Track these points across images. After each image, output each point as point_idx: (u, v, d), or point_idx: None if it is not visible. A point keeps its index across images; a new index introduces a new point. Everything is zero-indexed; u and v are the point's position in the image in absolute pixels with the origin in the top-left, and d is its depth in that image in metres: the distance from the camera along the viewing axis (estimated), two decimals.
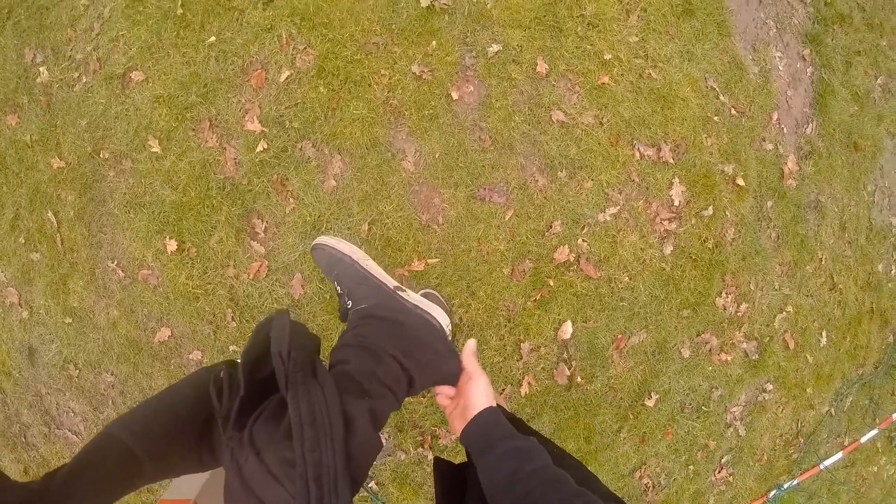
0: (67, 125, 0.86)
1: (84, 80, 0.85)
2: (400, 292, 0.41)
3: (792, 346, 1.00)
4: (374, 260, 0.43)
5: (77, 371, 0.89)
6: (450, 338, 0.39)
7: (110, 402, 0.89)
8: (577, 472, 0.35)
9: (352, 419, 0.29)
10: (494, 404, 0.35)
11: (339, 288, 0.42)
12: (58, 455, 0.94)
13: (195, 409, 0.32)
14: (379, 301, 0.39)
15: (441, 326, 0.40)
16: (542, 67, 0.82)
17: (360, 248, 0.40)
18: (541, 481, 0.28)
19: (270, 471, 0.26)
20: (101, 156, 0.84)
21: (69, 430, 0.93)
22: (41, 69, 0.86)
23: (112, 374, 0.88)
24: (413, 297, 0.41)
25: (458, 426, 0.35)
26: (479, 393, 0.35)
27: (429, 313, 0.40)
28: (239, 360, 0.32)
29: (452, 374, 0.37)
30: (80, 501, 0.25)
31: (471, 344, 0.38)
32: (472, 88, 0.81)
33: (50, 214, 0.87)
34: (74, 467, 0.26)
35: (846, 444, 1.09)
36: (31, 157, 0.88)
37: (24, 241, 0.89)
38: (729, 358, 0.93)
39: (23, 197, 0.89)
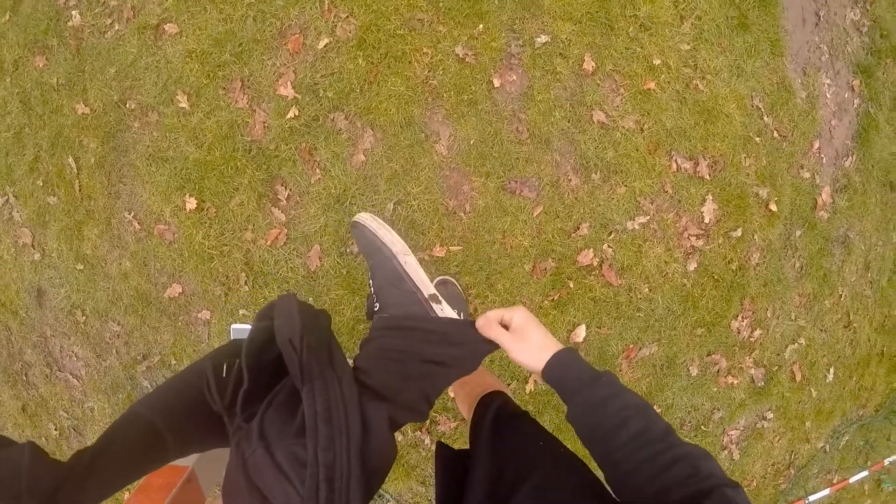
0: (95, 72, 0.84)
1: (116, 28, 0.83)
2: (434, 304, 0.37)
3: (799, 378, 0.99)
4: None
5: (84, 317, 0.89)
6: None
7: (114, 351, 0.89)
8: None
9: (369, 422, 0.27)
10: (552, 347, 0.32)
11: (371, 282, 0.39)
12: (57, 396, 0.95)
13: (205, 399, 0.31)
14: (408, 312, 0.36)
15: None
16: (588, 64, 0.80)
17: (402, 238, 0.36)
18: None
19: (280, 467, 0.25)
20: (127, 106, 0.83)
21: (70, 374, 0.93)
22: (74, 13, 0.83)
23: (119, 324, 0.88)
24: (447, 310, 0.37)
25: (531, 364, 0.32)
26: (523, 358, 0.32)
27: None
28: (243, 347, 0.29)
29: (474, 365, 0.36)
30: (107, 476, 0.25)
31: (480, 322, 0.34)
32: (514, 78, 0.79)
33: (70, 159, 0.86)
34: (100, 444, 0.26)
35: (835, 481, 1.10)
36: (56, 100, 0.86)
37: (42, 184, 0.89)
38: (735, 381, 0.93)
39: (45, 139, 0.88)
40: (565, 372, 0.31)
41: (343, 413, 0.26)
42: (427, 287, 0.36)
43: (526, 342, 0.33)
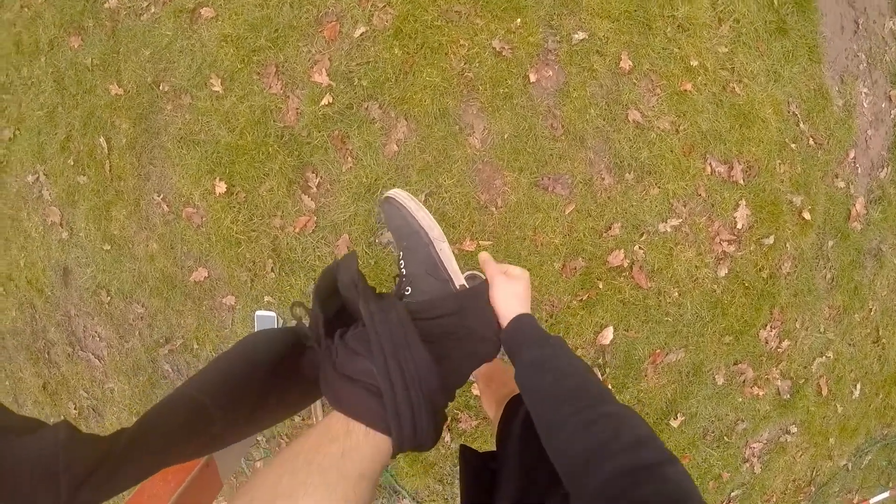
0: (130, 53, 0.84)
1: (153, 11, 0.83)
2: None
3: (825, 392, 0.97)
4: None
5: (109, 298, 0.89)
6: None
7: (137, 333, 0.89)
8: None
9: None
10: (519, 310, 0.31)
11: (402, 265, 0.38)
12: (78, 376, 0.95)
13: (259, 359, 0.32)
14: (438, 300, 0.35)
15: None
16: (625, 63, 0.79)
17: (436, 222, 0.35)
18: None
19: (354, 350, 0.27)
20: (160, 88, 0.83)
21: (92, 354, 0.94)
22: None
23: (143, 306, 0.88)
24: None
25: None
26: (497, 298, 0.32)
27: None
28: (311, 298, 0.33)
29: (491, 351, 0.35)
30: (150, 454, 0.25)
31: (482, 255, 0.35)
32: (551, 73, 0.78)
33: (102, 140, 0.87)
34: (143, 421, 0.26)
35: (855, 501, 1.07)
36: (89, 80, 0.87)
37: (72, 163, 0.89)
38: (761, 393, 0.91)
39: (77, 119, 0.88)
40: (520, 329, 0.31)
41: (403, 334, 0.27)
42: (458, 277, 0.36)
43: (512, 288, 0.33)
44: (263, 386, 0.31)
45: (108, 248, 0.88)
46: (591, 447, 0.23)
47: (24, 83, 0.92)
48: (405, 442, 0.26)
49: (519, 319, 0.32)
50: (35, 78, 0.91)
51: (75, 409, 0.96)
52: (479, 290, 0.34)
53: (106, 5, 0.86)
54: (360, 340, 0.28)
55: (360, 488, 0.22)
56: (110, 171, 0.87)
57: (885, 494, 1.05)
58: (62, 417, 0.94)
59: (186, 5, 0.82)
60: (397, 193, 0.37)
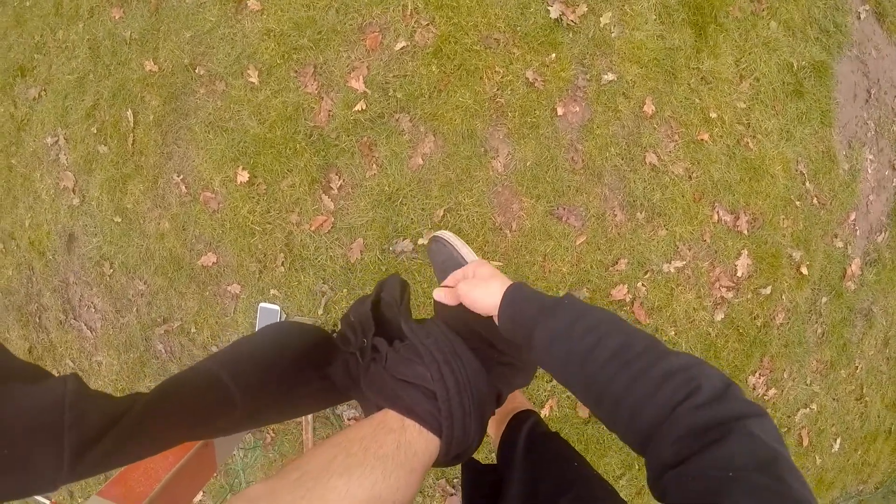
0: (171, 33, 0.85)
1: None
2: None
3: (805, 443, 0.99)
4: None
5: (111, 270, 0.89)
6: None
7: (135, 309, 0.88)
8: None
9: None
10: (503, 285, 0.27)
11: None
12: (66, 344, 0.93)
13: (290, 347, 0.33)
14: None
15: None
16: (648, 108, 0.82)
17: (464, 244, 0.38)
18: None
19: (407, 357, 0.28)
20: (196, 71, 0.84)
21: (85, 324, 0.92)
22: None
23: (145, 283, 0.87)
24: None
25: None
26: (476, 298, 0.27)
27: None
28: (356, 313, 0.34)
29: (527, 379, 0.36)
30: (165, 424, 0.23)
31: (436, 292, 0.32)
32: (578, 109, 0.81)
33: (129, 113, 0.87)
34: (162, 389, 0.25)
35: None
36: (125, 53, 0.88)
37: (95, 132, 0.89)
38: None
39: (107, 89, 0.89)
40: (520, 303, 0.26)
41: (450, 344, 0.29)
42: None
43: (479, 279, 0.29)
44: (290, 377, 0.31)
45: (119, 220, 0.87)
46: (664, 410, 0.19)
47: (58, 46, 0.93)
48: (454, 443, 0.26)
49: (512, 293, 0.27)
50: (70, 42, 0.92)
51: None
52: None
53: None
54: (410, 350, 0.29)
55: (410, 480, 0.23)
56: (133, 144, 0.87)
57: None
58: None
59: None
60: (443, 234, 0.41)
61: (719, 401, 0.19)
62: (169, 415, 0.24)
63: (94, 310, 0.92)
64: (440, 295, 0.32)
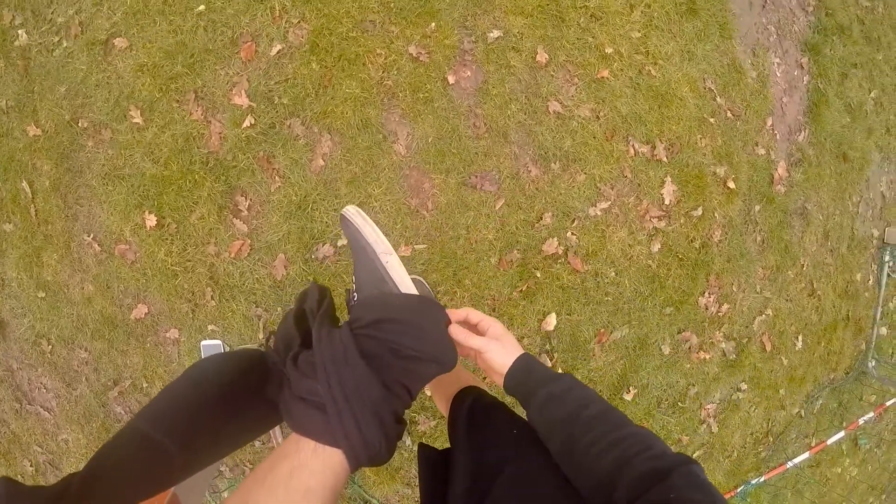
0: (45, 91, 0.81)
1: (64, 45, 0.81)
2: None
3: (769, 348, 1.02)
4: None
5: (50, 346, 0.86)
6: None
7: (84, 378, 0.86)
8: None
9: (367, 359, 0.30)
10: (517, 352, 0.34)
11: (354, 276, 0.40)
12: (29, 431, 0.91)
13: (209, 385, 0.32)
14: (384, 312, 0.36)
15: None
16: (541, 57, 0.81)
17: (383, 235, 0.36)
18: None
19: (303, 373, 0.29)
20: (79, 125, 0.81)
21: (41, 406, 0.90)
22: (20, 32, 0.81)
23: (86, 351, 0.85)
24: None
25: (496, 379, 0.34)
26: (498, 354, 0.34)
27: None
28: (283, 326, 0.35)
29: (448, 364, 0.35)
30: (106, 496, 0.23)
31: (462, 315, 0.35)
32: (469, 73, 0.79)
33: (24, 184, 0.83)
34: (94, 463, 0.24)
35: (813, 444, 1.14)
36: (6, 123, 0.84)
37: None
38: (707, 356, 0.95)
39: None
40: (529, 371, 0.33)
41: (343, 353, 0.29)
42: (407, 287, 0.37)
43: (504, 345, 0.35)
44: (220, 412, 0.31)
45: (43, 295, 0.85)
46: (621, 459, 0.25)
47: None
48: (358, 453, 0.27)
49: (525, 360, 0.33)
50: None
51: (31, 465, 0.92)
52: (425, 308, 0.33)
53: (16, 43, 0.83)
54: (308, 363, 0.29)
55: (308, 502, 0.23)
56: (36, 215, 0.84)
57: (841, 434, 1.12)
58: (19, 476, 0.91)
59: (98, 37, 0.79)
60: (348, 210, 0.38)
61: (664, 456, 0.25)
62: (107, 485, 0.24)
63: (45, 390, 0.89)
64: (461, 336, 0.35)
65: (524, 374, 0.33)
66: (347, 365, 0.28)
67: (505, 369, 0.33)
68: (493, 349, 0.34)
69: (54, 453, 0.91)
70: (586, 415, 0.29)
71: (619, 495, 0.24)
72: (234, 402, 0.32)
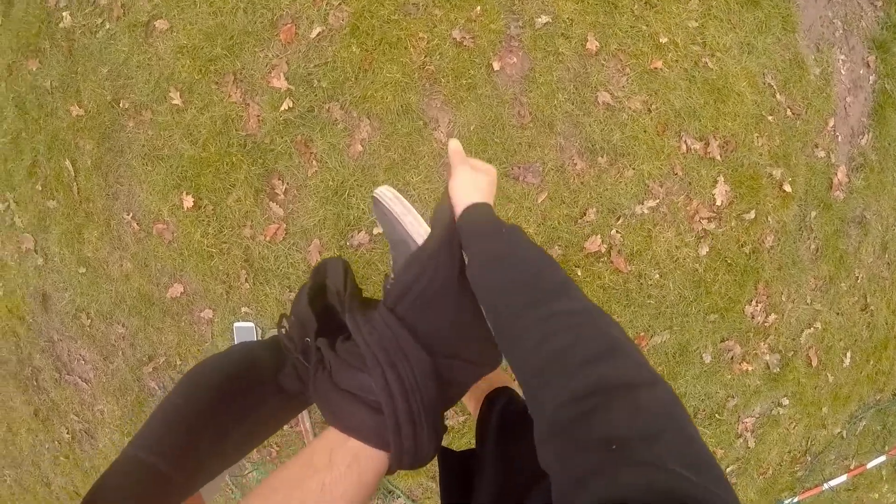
0: (88, 72, 0.83)
1: (107, 27, 0.81)
2: None
3: (815, 363, 0.96)
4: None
5: (89, 320, 0.89)
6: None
7: (120, 353, 0.89)
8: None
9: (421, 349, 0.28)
10: (477, 199, 0.29)
11: (392, 265, 0.38)
12: (67, 400, 0.95)
13: (216, 392, 0.31)
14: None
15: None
16: (592, 44, 0.77)
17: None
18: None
19: (349, 363, 0.26)
20: (121, 105, 0.81)
21: (79, 377, 0.94)
22: (64, 14, 0.82)
23: (123, 326, 0.88)
24: None
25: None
26: (455, 186, 0.30)
27: None
28: (293, 306, 0.32)
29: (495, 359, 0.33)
30: None
31: (452, 143, 0.32)
32: (515, 60, 0.76)
33: (67, 162, 0.85)
34: (92, 496, 0.24)
35: (852, 467, 1.07)
36: (50, 103, 0.85)
37: (41, 188, 0.88)
38: (750, 368, 0.91)
39: (41, 143, 0.87)
40: (473, 218, 0.29)
41: (395, 340, 0.26)
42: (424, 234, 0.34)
43: (473, 177, 0.30)
44: (220, 419, 0.29)
45: (84, 270, 0.87)
46: (546, 360, 0.17)
47: None
48: (405, 457, 0.25)
49: (473, 207, 0.29)
50: None
51: (68, 433, 0.96)
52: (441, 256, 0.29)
53: (61, 25, 0.84)
54: (353, 353, 0.27)
55: None
56: (78, 193, 0.86)
57: (882, 458, 1.06)
58: (56, 443, 0.96)
59: (140, 19, 0.80)
60: (383, 194, 0.35)
61: (599, 361, 0.16)
62: None
63: (83, 361, 0.93)
64: (454, 144, 0.32)
65: (471, 219, 0.28)
66: (405, 355, 0.26)
67: (463, 201, 0.29)
68: (461, 173, 0.30)
69: (90, 422, 0.95)
70: (517, 280, 0.22)
71: (545, 418, 0.16)
72: (235, 404, 0.30)
